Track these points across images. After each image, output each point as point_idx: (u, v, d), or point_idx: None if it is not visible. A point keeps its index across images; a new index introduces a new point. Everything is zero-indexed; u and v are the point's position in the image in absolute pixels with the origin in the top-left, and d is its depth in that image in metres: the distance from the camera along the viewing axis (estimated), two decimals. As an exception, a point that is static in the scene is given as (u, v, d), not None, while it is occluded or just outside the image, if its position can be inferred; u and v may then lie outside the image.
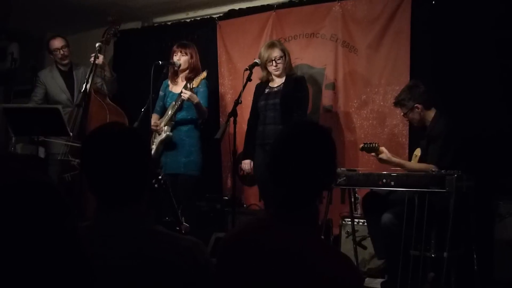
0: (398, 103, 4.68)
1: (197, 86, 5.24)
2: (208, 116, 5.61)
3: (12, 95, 7.30)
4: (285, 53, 5.24)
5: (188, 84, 5.24)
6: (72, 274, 0.95)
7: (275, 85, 5.34)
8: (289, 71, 5.32)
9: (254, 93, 5.56)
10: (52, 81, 5.99)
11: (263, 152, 5.18)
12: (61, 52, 5.97)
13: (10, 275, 0.86)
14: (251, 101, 5.61)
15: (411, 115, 4.64)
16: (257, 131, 5.35)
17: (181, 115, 5.45)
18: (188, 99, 5.18)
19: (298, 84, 5.24)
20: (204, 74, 5.22)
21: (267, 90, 5.39)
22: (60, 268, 0.92)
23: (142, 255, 1.74)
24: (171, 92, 5.65)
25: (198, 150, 5.52)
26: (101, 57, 5.69)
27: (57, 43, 5.98)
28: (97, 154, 1.82)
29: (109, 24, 5.87)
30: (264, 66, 5.28)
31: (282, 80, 5.30)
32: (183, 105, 5.37)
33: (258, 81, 5.50)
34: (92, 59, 5.64)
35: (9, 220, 0.87)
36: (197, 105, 5.29)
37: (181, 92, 5.27)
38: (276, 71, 5.25)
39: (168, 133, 5.42)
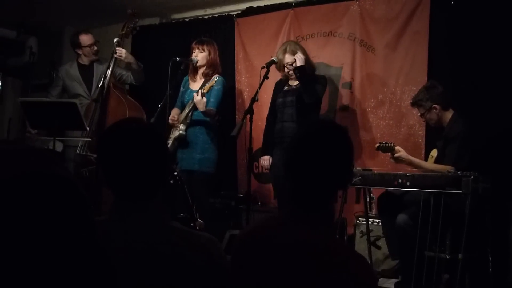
0: (415, 103, 4.67)
1: (207, 92, 5.24)
2: (224, 113, 5.63)
3: (30, 89, 7.37)
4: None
5: (200, 90, 5.25)
6: (90, 269, 0.95)
7: (294, 84, 5.37)
8: (308, 71, 5.29)
9: (274, 90, 5.59)
10: (69, 75, 6.04)
11: (281, 149, 5.20)
12: (94, 48, 6.04)
13: (26, 268, 0.86)
14: (269, 99, 5.63)
15: (428, 116, 4.62)
16: (276, 129, 5.38)
17: (197, 112, 5.45)
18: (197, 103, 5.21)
19: (317, 81, 5.27)
20: (213, 81, 5.24)
21: (285, 88, 5.43)
22: (78, 262, 0.93)
23: (157, 251, 1.74)
24: (189, 88, 5.67)
25: (213, 147, 5.53)
26: (123, 51, 5.72)
27: (89, 39, 6.03)
28: (115, 149, 1.82)
29: (128, 17, 5.90)
30: (280, 67, 5.32)
31: None
32: None
33: (277, 79, 5.52)
34: (116, 55, 5.67)
35: (26, 212, 0.87)
36: (203, 113, 5.32)
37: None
38: (291, 75, 5.30)
39: (181, 131, 5.44)
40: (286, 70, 5.27)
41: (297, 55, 5.16)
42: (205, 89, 5.20)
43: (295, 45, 5.36)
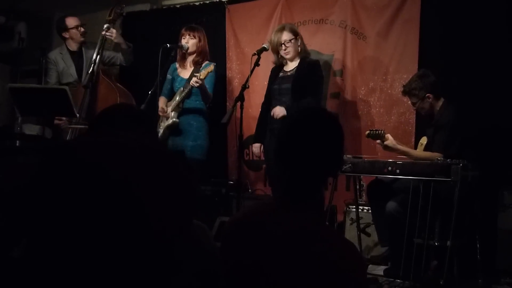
0: (409, 92, 4.64)
1: (204, 78, 5.21)
2: (215, 100, 5.61)
3: (19, 75, 7.31)
4: (296, 36, 5.18)
5: (196, 74, 5.22)
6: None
7: (289, 69, 5.27)
8: (303, 54, 5.26)
9: (270, 76, 5.51)
10: (61, 61, 5.97)
11: (273, 136, 5.16)
12: (81, 29, 5.97)
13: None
14: (260, 86, 5.63)
15: (421, 105, 4.62)
16: (268, 115, 5.27)
17: (190, 100, 5.44)
18: (199, 86, 5.18)
19: (313, 68, 5.18)
20: (211, 67, 5.20)
21: (281, 74, 5.33)
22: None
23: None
24: (179, 76, 5.63)
25: (205, 135, 5.52)
26: (114, 32, 5.69)
27: (75, 21, 5.97)
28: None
29: (114, 2, 5.86)
30: (275, 50, 5.24)
31: (296, 63, 5.23)
32: (191, 92, 5.37)
33: (269, 66, 5.49)
34: (107, 34, 5.63)
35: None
36: (204, 91, 5.30)
37: (190, 79, 5.27)
38: (287, 54, 5.20)
39: (174, 119, 5.42)
40: (283, 48, 5.17)
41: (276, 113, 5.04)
42: (202, 75, 5.15)
43: (293, 26, 5.36)
